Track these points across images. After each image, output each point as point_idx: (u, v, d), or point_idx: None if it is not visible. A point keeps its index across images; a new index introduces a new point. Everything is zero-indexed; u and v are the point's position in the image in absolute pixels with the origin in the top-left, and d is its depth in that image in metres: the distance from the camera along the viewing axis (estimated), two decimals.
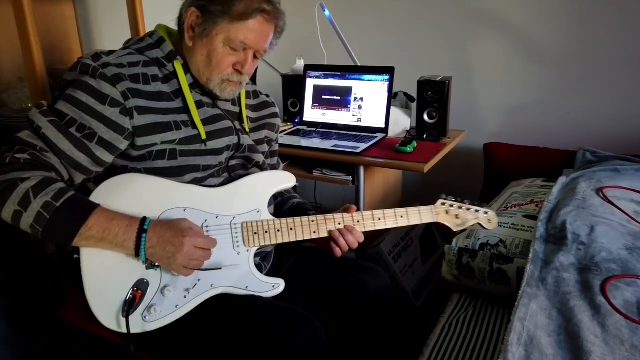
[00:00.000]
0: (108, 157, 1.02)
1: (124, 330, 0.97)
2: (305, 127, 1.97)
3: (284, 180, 1.18)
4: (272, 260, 1.25)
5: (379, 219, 1.17)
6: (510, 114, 2.08)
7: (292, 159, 1.80)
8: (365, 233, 1.82)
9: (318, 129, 1.92)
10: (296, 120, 2.03)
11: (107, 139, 1.00)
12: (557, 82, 1.96)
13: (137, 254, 0.97)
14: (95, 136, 0.99)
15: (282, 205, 1.34)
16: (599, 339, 0.94)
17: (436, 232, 2.09)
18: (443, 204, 1.22)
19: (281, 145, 1.73)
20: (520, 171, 1.92)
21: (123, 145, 1.03)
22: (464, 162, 2.18)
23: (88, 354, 1.45)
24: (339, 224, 1.15)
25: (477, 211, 1.25)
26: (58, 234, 0.92)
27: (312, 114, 1.98)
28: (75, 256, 0.99)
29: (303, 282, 1.23)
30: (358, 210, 1.18)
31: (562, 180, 1.56)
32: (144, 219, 0.98)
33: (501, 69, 2.04)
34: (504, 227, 1.39)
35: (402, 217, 1.19)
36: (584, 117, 1.94)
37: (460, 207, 1.24)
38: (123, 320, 0.97)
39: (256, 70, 2.08)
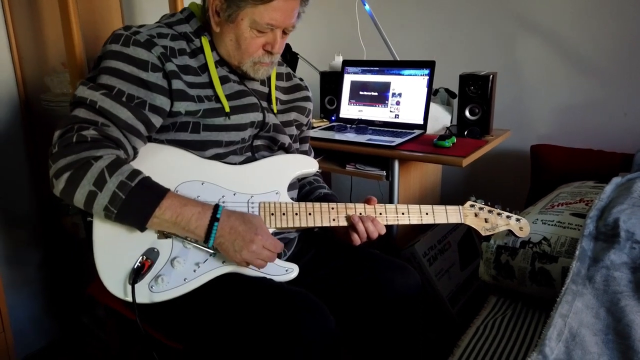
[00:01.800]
0: (159, 121, 1.01)
1: (130, 299, 0.94)
2: (341, 124, 1.92)
3: (305, 164, 1.14)
4: (293, 249, 1.19)
5: (403, 214, 1.10)
6: (560, 114, 1.94)
7: (326, 153, 1.74)
8: (399, 233, 1.74)
9: (353, 125, 1.86)
10: (333, 118, 1.98)
11: (157, 104, 0.99)
12: (611, 80, 1.81)
13: (206, 241, 0.95)
14: (146, 103, 0.98)
15: (308, 195, 1.28)
16: None
17: (476, 238, 1.96)
18: (472, 205, 1.16)
19: (315, 139, 1.68)
20: (571, 175, 1.78)
21: (168, 107, 1.01)
22: (509, 164, 2.05)
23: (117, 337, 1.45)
24: (360, 213, 1.08)
25: (508, 217, 1.19)
26: (133, 215, 0.91)
27: (348, 110, 1.93)
28: (88, 219, 0.97)
29: (323, 274, 1.16)
30: None
31: (617, 180, 1.42)
32: (217, 206, 0.96)
33: (550, 66, 1.92)
34: (549, 224, 1.27)
35: (427, 214, 1.11)
36: None
37: (490, 211, 1.16)
38: (129, 288, 0.94)
39: (296, 64, 2.06)
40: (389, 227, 1.67)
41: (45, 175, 0.99)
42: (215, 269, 0.99)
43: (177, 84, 1.01)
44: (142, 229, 0.94)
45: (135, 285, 0.94)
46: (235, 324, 0.94)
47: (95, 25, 1.73)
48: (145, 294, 0.96)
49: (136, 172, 0.92)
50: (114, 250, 0.97)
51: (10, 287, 1.64)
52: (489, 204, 1.18)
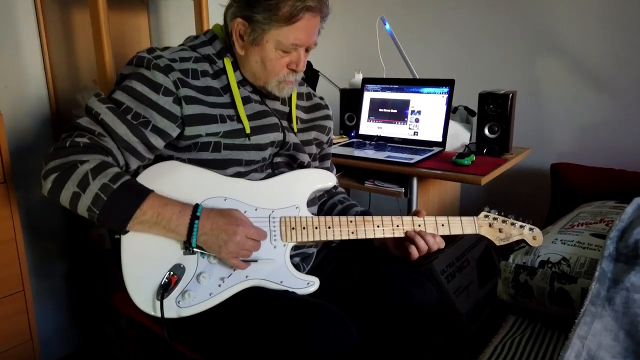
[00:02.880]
0: (160, 143, 1.04)
1: (158, 314, 0.97)
2: (360, 140, 1.94)
3: (324, 179, 1.17)
4: (313, 263, 1.22)
5: (419, 225, 1.12)
6: (580, 132, 1.93)
7: (346, 170, 1.77)
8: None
9: (372, 142, 1.89)
10: (352, 134, 2.01)
11: (161, 126, 1.03)
12: (634, 99, 1.81)
13: (188, 240, 0.97)
14: (150, 124, 1.02)
15: (344, 213, 1.29)
16: None
17: (495, 256, 1.96)
18: (486, 216, 1.18)
19: (334, 156, 1.71)
20: (591, 194, 1.77)
21: (175, 132, 1.05)
22: (529, 182, 2.05)
23: (137, 347, 1.48)
24: (378, 226, 1.10)
25: (522, 227, 1.19)
26: (114, 216, 0.94)
27: (368, 127, 1.96)
28: (116, 236, 1.01)
29: (342, 287, 1.18)
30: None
31: (638, 200, 1.41)
32: (197, 205, 0.99)
33: (571, 85, 1.92)
34: (568, 244, 1.27)
35: (442, 225, 1.13)
36: None
37: (504, 221, 1.18)
38: (157, 303, 0.97)
39: (316, 81, 2.11)
40: None
41: None
42: (239, 284, 1.02)
43: (192, 109, 1.05)
44: (124, 230, 0.97)
45: (164, 301, 0.98)
46: (251, 335, 0.97)
47: (124, 45, 1.80)
48: (173, 309, 0.99)
49: (120, 175, 0.95)
50: (142, 267, 1.00)
51: (37, 298, 1.70)
52: (502, 214, 1.19)
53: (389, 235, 1.11)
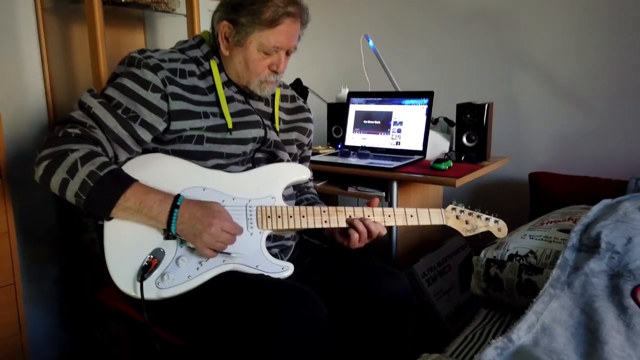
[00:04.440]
0: (148, 137, 1.12)
1: (138, 295, 1.02)
2: (346, 150, 2.02)
3: (299, 172, 1.24)
4: (291, 256, 1.27)
5: (389, 216, 1.18)
6: (556, 143, 2.01)
7: (330, 177, 1.84)
8: (399, 254, 1.80)
9: (357, 152, 1.96)
10: (339, 146, 2.09)
11: (149, 121, 1.10)
12: (605, 110, 1.89)
13: (168, 227, 1.03)
14: (139, 118, 1.09)
15: (299, 204, 1.36)
16: (621, 335, 0.87)
17: None
18: (453, 209, 1.25)
19: (320, 163, 1.78)
20: (568, 201, 1.82)
21: (162, 126, 1.12)
22: (509, 191, 2.11)
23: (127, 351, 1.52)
24: (350, 215, 1.16)
25: (487, 219, 1.27)
26: (99, 202, 1.01)
27: (353, 138, 2.04)
28: (99, 222, 1.07)
29: (318, 280, 1.23)
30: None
31: (606, 201, 1.48)
32: (178, 195, 1.05)
33: (545, 97, 2.01)
34: (536, 239, 1.33)
35: (411, 216, 1.19)
36: (637, 146, 1.84)
37: (470, 214, 1.24)
38: (138, 285, 1.03)
39: (306, 96, 2.20)
40: (389, 248, 1.75)
41: None
42: (216, 267, 1.07)
43: (178, 105, 1.12)
44: (108, 217, 1.03)
45: (144, 282, 1.03)
46: (227, 316, 1.02)
47: (120, 56, 1.89)
48: (152, 290, 1.04)
49: (107, 163, 1.02)
50: (123, 250, 1.06)
51: (28, 300, 1.74)
52: (469, 207, 1.26)
53: None
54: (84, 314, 1.91)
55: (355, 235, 1.15)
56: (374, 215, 1.17)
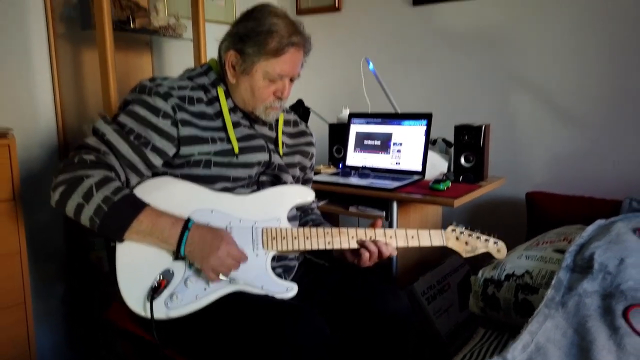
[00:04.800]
0: (158, 162, 1.17)
1: (148, 315, 1.06)
2: (347, 170, 2.07)
3: (303, 194, 1.28)
4: (294, 276, 1.31)
5: (391, 237, 1.22)
6: (553, 163, 2.06)
7: (331, 197, 1.88)
8: (400, 273, 1.84)
9: (358, 172, 2.01)
10: (340, 165, 2.14)
11: (159, 146, 1.15)
12: (600, 132, 1.95)
13: (177, 249, 1.08)
14: (150, 144, 1.15)
15: (305, 225, 1.41)
16: (612, 355, 0.91)
17: None
18: (453, 230, 1.28)
19: (322, 183, 1.83)
20: (565, 221, 1.87)
21: (172, 151, 1.18)
22: (506, 210, 2.16)
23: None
24: (352, 237, 1.20)
25: (486, 240, 1.29)
26: (113, 225, 1.06)
27: (354, 158, 2.09)
28: (112, 244, 1.12)
29: (320, 298, 1.27)
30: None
31: (600, 222, 1.52)
32: (188, 219, 1.10)
33: (541, 119, 2.07)
34: (532, 259, 1.37)
35: (412, 237, 1.23)
36: (631, 166, 1.89)
37: (470, 235, 1.28)
38: (148, 304, 1.07)
39: (308, 117, 2.26)
40: (389, 266, 1.79)
41: None
42: (223, 288, 1.11)
43: (187, 131, 1.17)
44: (121, 239, 1.08)
45: (153, 302, 1.07)
46: (234, 334, 1.06)
47: (129, 82, 1.96)
48: (161, 310, 1.08)
49: (120, 189, 1.07)
50: (134, 271, 1.10)
51: (36, 319, 1.77)
52: (469, 228, 1.29)
53: None
54: (90, 332, 1.94)
55: (366, 255, 1.20)
56: (376, 237, 1.21)
